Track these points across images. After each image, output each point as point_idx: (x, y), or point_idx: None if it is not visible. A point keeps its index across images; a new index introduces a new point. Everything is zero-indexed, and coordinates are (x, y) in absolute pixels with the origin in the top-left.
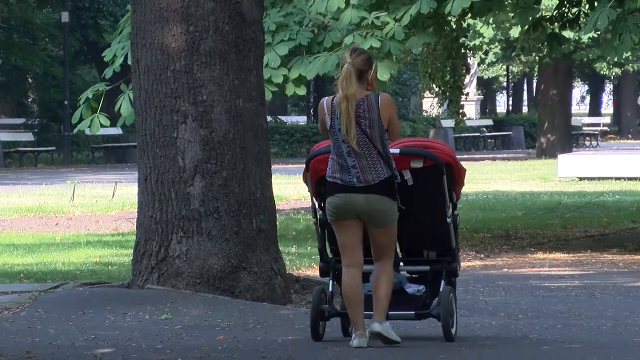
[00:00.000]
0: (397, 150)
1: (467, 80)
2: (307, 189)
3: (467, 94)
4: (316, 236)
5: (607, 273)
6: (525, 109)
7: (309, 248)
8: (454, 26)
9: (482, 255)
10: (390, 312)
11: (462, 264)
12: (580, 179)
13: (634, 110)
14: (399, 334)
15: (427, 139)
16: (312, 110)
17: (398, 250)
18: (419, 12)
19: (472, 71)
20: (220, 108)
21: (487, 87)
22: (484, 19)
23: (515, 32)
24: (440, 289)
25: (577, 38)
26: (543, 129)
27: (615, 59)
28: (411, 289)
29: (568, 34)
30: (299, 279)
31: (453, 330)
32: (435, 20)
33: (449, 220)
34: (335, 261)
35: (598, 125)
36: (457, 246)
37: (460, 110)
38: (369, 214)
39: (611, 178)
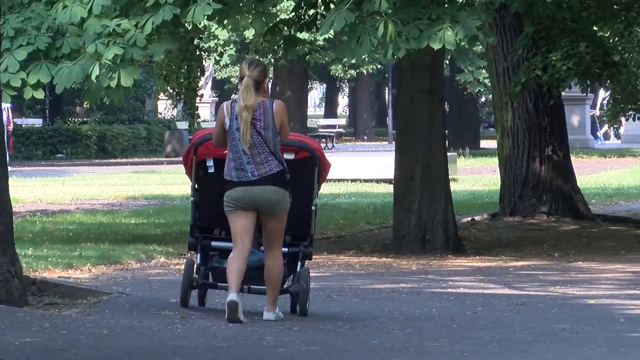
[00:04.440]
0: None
1: (202, 82)
2: (184, 171)
3: (202, 96)
4: (190, 214)
5: (343, 275)
6: None
7: (45, 250)
8: (190, 28)
9: None
10: (252, 286)
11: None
12: None
13: (369, 112)
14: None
15: (297, 135)
16: (47, 112)
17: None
18: (163, 20)
19: (208, 73)
20: None
21: (222, 89)
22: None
23: (249, 33)
24: (298, 270)
25: (312, 40)
26: None
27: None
28: None
29: (303, 35)
30: (36, 281)
31: (307, 307)
32: (172, 22)
33: (313, 207)
34: (202, 237)
35: (334, 127)
36: (314, 232)
37: (195, 112)
38: (263, 203)
39: (347, 180)
